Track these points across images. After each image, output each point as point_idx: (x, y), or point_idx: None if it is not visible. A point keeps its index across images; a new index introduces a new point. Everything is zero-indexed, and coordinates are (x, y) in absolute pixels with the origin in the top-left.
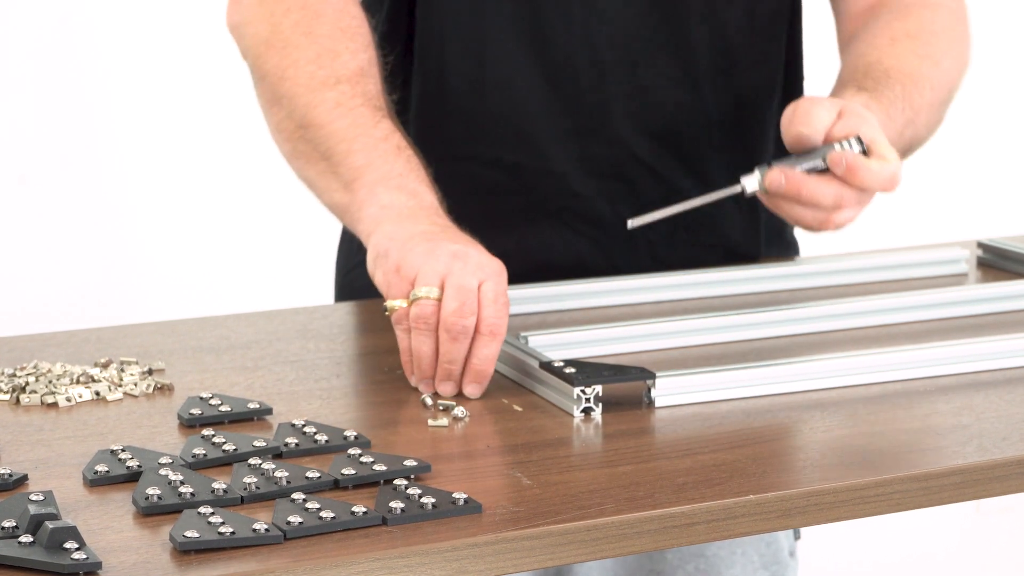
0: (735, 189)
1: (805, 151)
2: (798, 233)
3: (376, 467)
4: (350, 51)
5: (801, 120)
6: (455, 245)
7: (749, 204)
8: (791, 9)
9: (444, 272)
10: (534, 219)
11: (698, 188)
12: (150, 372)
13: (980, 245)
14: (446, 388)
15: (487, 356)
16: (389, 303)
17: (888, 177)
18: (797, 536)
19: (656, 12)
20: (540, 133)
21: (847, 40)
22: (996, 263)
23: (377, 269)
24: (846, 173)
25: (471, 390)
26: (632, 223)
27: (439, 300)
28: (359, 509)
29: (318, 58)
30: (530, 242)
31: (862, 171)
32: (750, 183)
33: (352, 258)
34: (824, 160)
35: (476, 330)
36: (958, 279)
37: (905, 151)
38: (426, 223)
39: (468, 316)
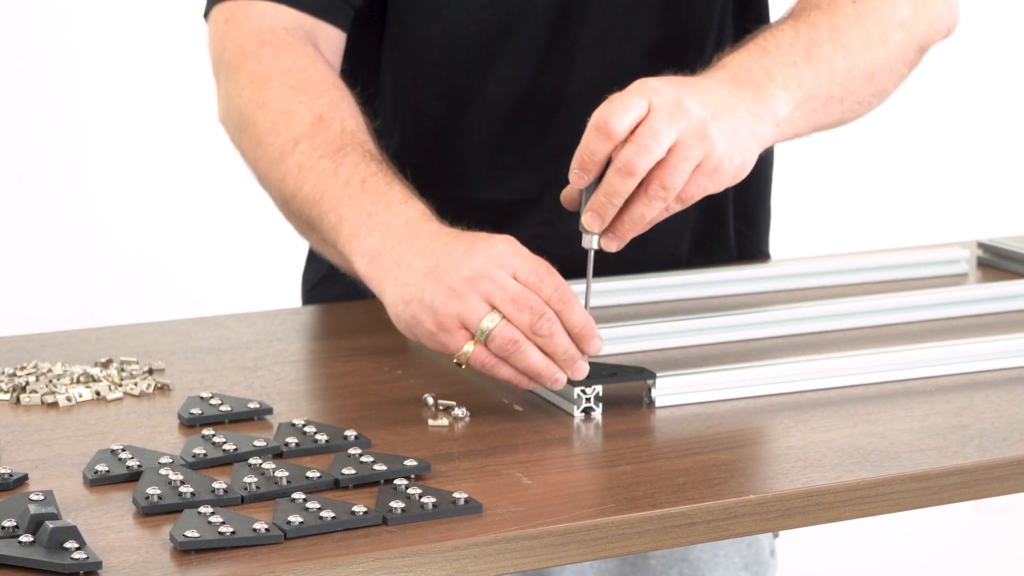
0: (591, 255)
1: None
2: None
3: (376, 467)
4: (304, 104)
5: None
6: (455, 262)
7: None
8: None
9: (481, 296)
10: None
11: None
12: (150, 372)
13: (980, 245)
14: (578, 371)
15: (580, 320)
16: (460, 355)
17: (594, 131)
18: (776, 533)
19: (617, 29)
20: (514, 165)
21: None
22: (996, 263)
23: (415, 335)
24: (582, 174)
25: (594, 348)
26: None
27: (504, 318)
28: (359, 509)
29: (274, 127)
30: None
31: (581, 158)
32: (591, 241)
33: (318, 272)
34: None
35: (553, 309)
36: (958, 279)
37: (849, 75)
38: (414, 253)
39: (542, 310)
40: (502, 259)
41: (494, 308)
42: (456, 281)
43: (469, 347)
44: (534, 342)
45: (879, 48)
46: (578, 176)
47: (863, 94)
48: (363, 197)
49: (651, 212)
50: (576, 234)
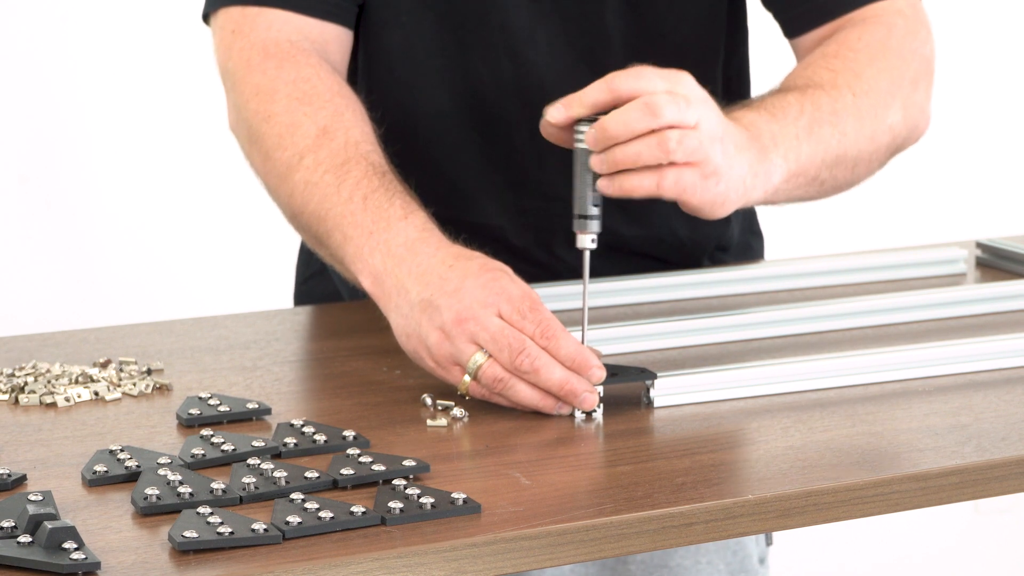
0: (586, 257)
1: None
2: (765, 231)
3: (375, 467)
4: (308, 116)
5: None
6: (446, 301)
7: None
8: (732, 54)
9: (467, 337)
10: None
11: (640, 232)
12: (149, 372)
13: (979, 245)
14: (583, 404)
15: (569, 353)
16: (461, 388)
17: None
18: (769, 542)
19: (583, 64)
20: (476, 189)
21: None
22: (994, 263)
23: (420, 366)
24: (564, 108)
25: (594, 379)
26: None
27: (491, 356)
28: (358, 509)
29: (280, 141)
30: None
31: (602, 136)
32: (586, 241)
33: (310, 267)
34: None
35: (539, 345)
36: (956, 279)
37: (837, 161)
38: (412, 279)
39: (521, 347)
40: (487, 297)
41: (482, 347)
42: (446, 323)
43: (468, 379)
44: (521, 378)
45: (868, 144)
46: (556, 110)
47: (840, 181)
48: (365, 215)
49: (648, 151)
50: (540, 260)
